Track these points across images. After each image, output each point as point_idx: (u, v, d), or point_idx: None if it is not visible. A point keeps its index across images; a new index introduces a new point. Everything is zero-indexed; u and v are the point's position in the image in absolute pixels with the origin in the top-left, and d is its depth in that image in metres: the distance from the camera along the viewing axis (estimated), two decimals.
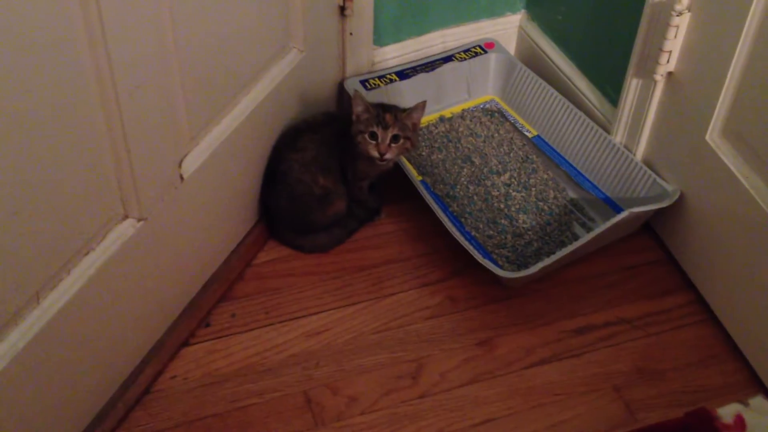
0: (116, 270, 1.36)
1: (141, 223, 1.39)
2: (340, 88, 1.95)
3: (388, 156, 1.67)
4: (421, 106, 1.70)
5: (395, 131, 1.66)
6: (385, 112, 1.67)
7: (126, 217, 1.39)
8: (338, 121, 1.76)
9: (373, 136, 1.66)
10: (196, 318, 1.63)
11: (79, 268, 1.30)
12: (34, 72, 1.10)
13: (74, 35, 1.15)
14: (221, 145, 1.55)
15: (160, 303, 1.55)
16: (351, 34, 1.88)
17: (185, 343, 1.61)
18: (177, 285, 1.59)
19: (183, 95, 1.41)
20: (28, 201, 1.16)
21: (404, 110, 1.70)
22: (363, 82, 1.93)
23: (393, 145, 1.67)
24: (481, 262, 1.64)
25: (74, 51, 1.16)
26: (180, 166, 1.47)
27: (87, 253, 1.32)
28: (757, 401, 1.50)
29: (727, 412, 1.47)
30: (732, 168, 1.56)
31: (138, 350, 1.52)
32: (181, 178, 1.47)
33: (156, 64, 1.32)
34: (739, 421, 1.47)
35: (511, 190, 1.86)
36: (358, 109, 1.68)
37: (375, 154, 1.67)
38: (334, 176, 1.75)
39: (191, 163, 1.49)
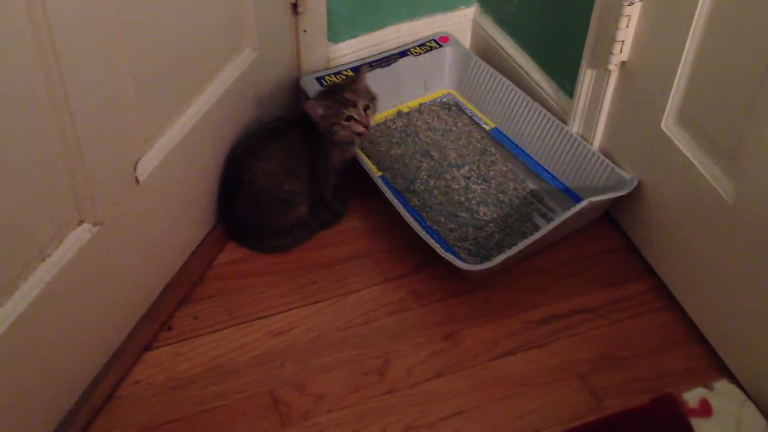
0: (74, 276, 1.34)
1: (97, 227, 1.37)
2: (297, 86, 1.94)
3: (371, 123, 1.71)
4: (363, 70, 1.75)
5: (364, 101, 1.70)
6: (341, 93, 1.70)
7: (81, 222, 1.36)
8: (301, 123, 1.75)
9: (350, 118, 1.68)
10: (158, 321, 1.61)
11: (35, 276, 1.28)
12: None
13: (20, 37, 1.12)
14: (177, 146, 1.53)
15: (121, 308, 1.53)
16: (305, 31, 1.87)
17: (148, 348, 1.59)
18: (137, 289, 1.57)
19: (135, 97, 1.39)
20: None
21: (352, 81, 1.74)
22: (319, 80, 1.92)
23: (368, 112, 1.70)
24: (443, 255, 1.64)
25: (21, 53, 1.13)
26: (135, 168, 1.45)
27: (43, 260, 1.30)
28: (721, 385, 1.52)
29: (692, 397, 1.49)
30: (688, 155, 1.57)
31: (100, 356, 1.50)
32: (137, 180, 1.45)
33: (106, 66, 1.30)
34: (705, 405, 1.49)
35: (470, 183, 1.86)
36: (318, 112, 1.69)
37: (360, 129, 1.70)
38: (300, 180, 1.75)
39: (147, 166, 1.47)
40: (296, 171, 1.74)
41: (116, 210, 1.41)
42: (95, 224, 1.37)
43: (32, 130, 1.20)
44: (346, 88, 1.71)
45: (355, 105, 1.69)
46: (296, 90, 1.94)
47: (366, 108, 1.70)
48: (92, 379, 1.48)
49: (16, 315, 1.24)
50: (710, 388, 1.51)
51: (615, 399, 1.54)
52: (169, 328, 1.63)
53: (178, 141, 1.54)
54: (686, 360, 1.61)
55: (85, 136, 1.28)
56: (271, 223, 1.77)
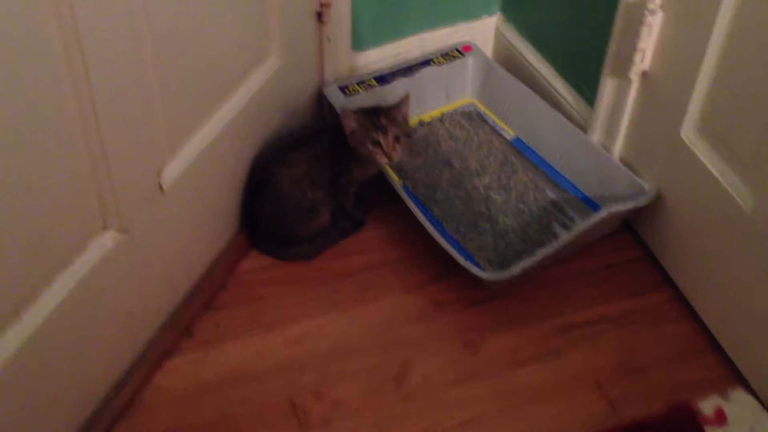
0: (97, 282, 1.36)
1: (121, 234, 1.39)
2: (320, 95, 1.96)
3: (395, 157, 1.70)
4: (406, 100, 1.73)
5: (396, 131, 1.69)
6: (378, 116, 1.70)
7: (106, 229, 1.38)
8: (327, 132, 1.77)
9: (377, 143, 1.68)
10: (180, 328, 1.63)
11: (59, 282, 1.30)
12: (8, 84, 1.09)
13: (50, 47, 1.14)
14: (201, 154, 1.55)
15: (143, 314, 1.55)
16: (329, 40, 1.89)
17: (169, 354, 1.61)
18: (159, 296, 1.59)
19: (161, 106, 1.41)
20: (6, 214, 1.16)
21: (391, 107, 1.73)
22: (342, 89, 1.94)
23: (397, 145, 1.70)
24: (463, 264, 1.65)
25: (50, 63, 1.15)
26: (160, 176, 1.47)
27: (67, 266, 1.32)
28: (737, 394, 1.52)
29: (707, 406, 1.49)
30: (707, 164, 1.57)
31: (121, 362, 1.52)
32: (161, 188, 1.47)
33: (133, 75, 1.32)
34: (720, 415, 1.49)
35: (491, 193, 1.87)
36: (351, 125, 1.70)
37: (384, 159, 1.70)
38: (323, 189, 1.76)
39: (171, 174, 1.49)
40: (320, 180, 1.75)
41: (140, 218, 1.43)
42: (119, 231, 1.39)
43: (59, 138, 1.22)
44: (384, 113, 1.71)
45: (385, 133, 1.68)
46: (319, 98, 1.96)
47: (396, 139, 1.69)
48: (114, 385, 1.50)
49: (40, 321, 1.26)
50: (726, 397, 1.51)
51: (632, 408, 1.55)
52: (191, 335, 1.65)
53: (203, 149, 1.56)
54: (703, 370, 1.61)
55: (111, 145, 1.30)
56: (294, 230, 1.78)
